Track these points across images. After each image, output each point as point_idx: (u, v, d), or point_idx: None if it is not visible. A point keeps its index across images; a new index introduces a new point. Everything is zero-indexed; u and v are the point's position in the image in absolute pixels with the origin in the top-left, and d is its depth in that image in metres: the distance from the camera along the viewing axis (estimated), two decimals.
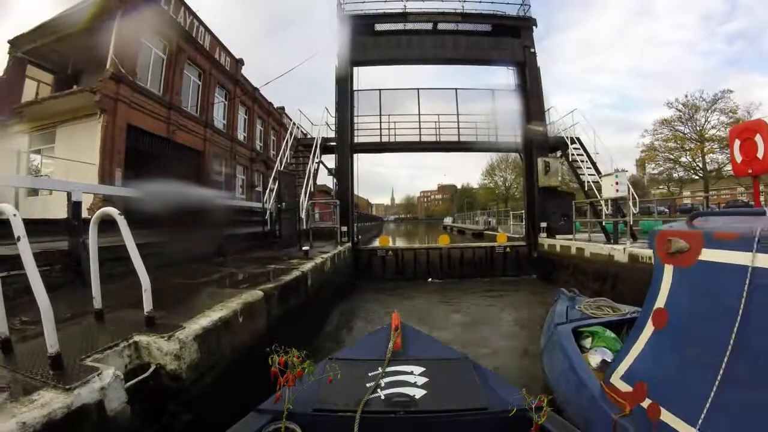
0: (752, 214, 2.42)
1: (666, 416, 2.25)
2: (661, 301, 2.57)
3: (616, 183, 10.94)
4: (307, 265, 7.23)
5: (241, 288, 4.98)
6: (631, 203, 11.55)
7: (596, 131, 14.64)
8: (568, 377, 3.47)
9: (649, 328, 2.63)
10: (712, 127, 41.73)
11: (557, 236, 14.00)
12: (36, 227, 4.95)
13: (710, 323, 2.20)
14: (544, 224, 14.60)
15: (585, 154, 14.28)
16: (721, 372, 2.02)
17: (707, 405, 2.05)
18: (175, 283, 5.44)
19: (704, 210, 3.08)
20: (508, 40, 15.91)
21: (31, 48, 16.63)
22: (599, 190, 12.73)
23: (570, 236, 13.23)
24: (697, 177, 46.01)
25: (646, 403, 2.42)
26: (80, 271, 5.08)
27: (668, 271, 2.55)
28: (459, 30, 16.17)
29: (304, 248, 8.22)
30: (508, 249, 14.96)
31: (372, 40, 15.86)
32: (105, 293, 3.54)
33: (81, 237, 5.12)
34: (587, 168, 13.85)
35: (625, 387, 2.67)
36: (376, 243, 16.91)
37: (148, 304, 3.23)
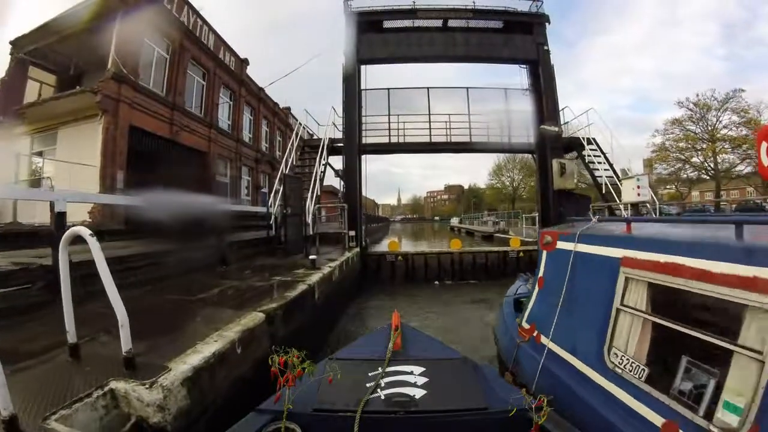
0: (589, 220, 4.22)
1: (542, 339, 3.76)
2: (541, 272, 4.26)
3: (638, 187, 10.42)
4: (314, 277, 6.77)
5: (241, 308, 4.51)
6: (651, 207, 11.04)
7: (612, 132, 14.12)
8: (502, 326, 5.25)
9: (536, 289, 4.29)
10: (724, 127, 40.96)
11: None
12: (17, 240, 4.51)
13: (558, 280, 3.68)
14: None
15: (602, 155, 13.71)
16: (559, 306, 3.56)
17: (553, 325, 3.58)
18: (169, 300, 5.02)
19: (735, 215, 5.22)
20: (521, 37, 15.43)
21: (33, 49, 16.36)
22: (617, 192, 12.22)
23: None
24: (707, 177, 45.38)
25: (535, 333, 3.97)
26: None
27: (544, 254, 4.24)
28: (469, 27, 15.70)
29: (311, 257, 7.75)
30: (521, 254, 14.46)
31: (380, 38, 15.42)
32: (88, 316, 3.06)
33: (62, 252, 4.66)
34: (605, 170, 13.25)
35: (526, 326, 4.22)
36: (385, 247, 16.35)
37: (126, 343, 2.76)
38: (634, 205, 10.90)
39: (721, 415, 2.16)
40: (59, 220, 4.63)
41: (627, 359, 2.81)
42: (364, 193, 16.18)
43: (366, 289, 12.21)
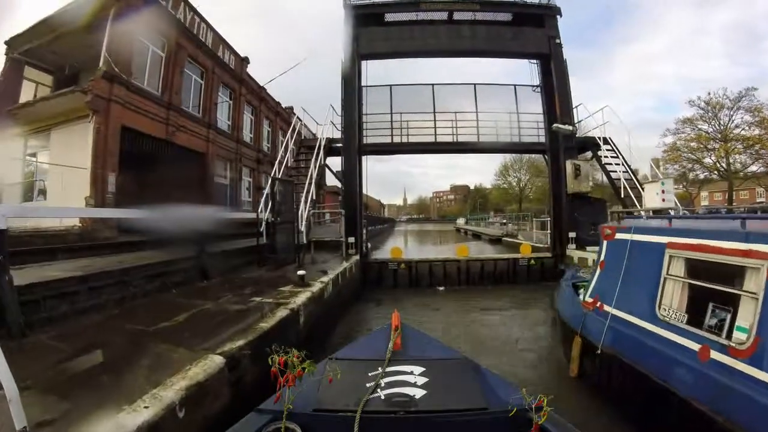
0: (639, 218, 6.03)
1: (605, 307, 4.90)
2: (602, 257, 5.53)
3: (662, 191, 9.55)
4: (300, 298, 5.95)
5: (200, 346, 3.74)
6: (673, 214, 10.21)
7: (630, 132, 13.29)
8: (566, 303, 6.40)
9: (598, 270, 5.53)
10: (736, 126, 39.96)
11: (587, 248, 12.61)
12: None
13: (617, 262, 4.95)
14: (572, 234, 13.20)
15: (619, 157, 12.84)
16: (619, 281, 4.80)
17: (615, 296, 4.76)
18: (125, 332, 4.27)
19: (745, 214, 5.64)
20: (531, 30, 14.61)
21: (27, 49, 15.96)
22: (637, 197, 11.40)
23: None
24: (716, 177, 44.48)
25: (598, 304, 5.11)
26: (4, 319, 3.93)
27: (605, 243, 5.54)
28: (476, 20, 14.87)
29: (299, 272, 6.92)
30: (532, 261, 13.67)
31: (382, 32, 14.64)
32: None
33: (6, 275, 3.98)
34: (623, 172, 12.37)
35: (590, 300, 5.36)
36: (388, 252, 15.61)
37: (19, 420, 2.02)
38: (657, 212, 10.05)
39: (736, 334, 3.22)
40: None
41: (673, 311, 3.97)
42: (369, 194, 15.51)
43: (365, 298, 11.45)
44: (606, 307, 4.81)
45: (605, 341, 4.49)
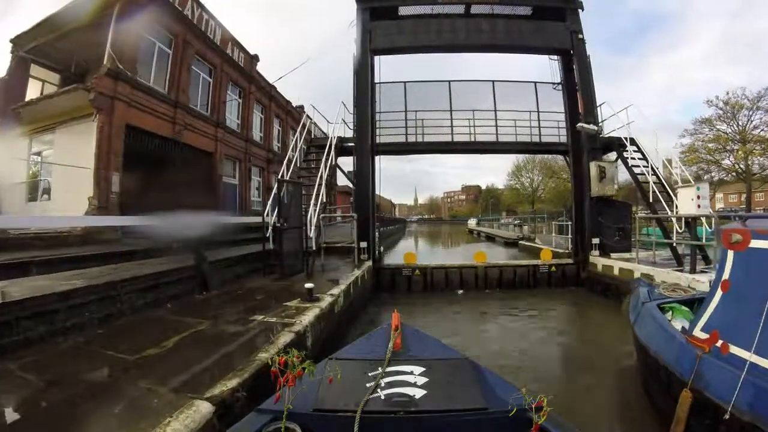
0: None
1: (732, 349, 3.31)
2: (726, 274, 3.67)
3: (698, 197, 8.87)
4: (308, 316, 5.31)
5: (187, 386, 3.15)
6: (705, 221, 9.59)
7: (656, 132, 12.63)
8: (659, 335, 4.38)
9: (719, 293, 3.72)
10: (755, 127, 39.18)
11: (612, 255, 11.99)
12: None
13: (757, 285, 3.32)
14: (596, 240, 12.51)
15: (645, 159, 12.15)
16: (764, 315, 3.07)
17: (757, 336, 3.08)
18: (102, 361, 3.70)
19: (748, 214, 4.61)
20: (552, 25, 13.92)
21: (33, 46, 15.90)
22: (667, 201, 10.74)
23: (627, 255, 11.25)
24: (730, 179, 43.81)
25: (719, 343, 3.47)
26: None
27: (730, 254, 3.69)
28: (495, 13, 14.19)
29: (307, 285, 6.28)
30: (553, 268, 13.02)
31: (395, 25, 14.01)
32: None
33: None
34: (651, 175, 11.67)
35: (703, 335, 3.69)
36: (401, 255, 15.06)
37: None
38: (691, 220, 9.36)
39: None
40: None
41: None
42: (380, 194, 15.01)
43: (378, 306, 10.85)
44: (736, 350, 3.31)
45: (740, 402, 3.01)
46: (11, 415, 2.74)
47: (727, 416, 3.03)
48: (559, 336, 8.46)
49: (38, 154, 15.52)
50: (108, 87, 12.79)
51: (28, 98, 16.10)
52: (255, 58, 23.58)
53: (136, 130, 14.01)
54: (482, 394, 2.77)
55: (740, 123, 40.26)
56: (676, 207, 10.08)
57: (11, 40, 16.03)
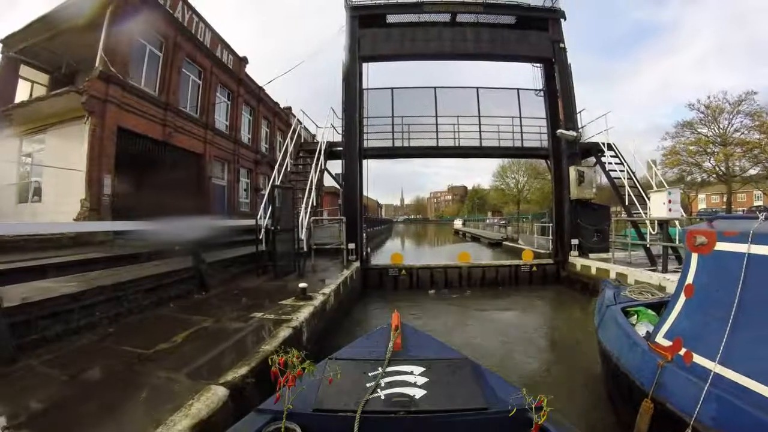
0: (748, 218, 3.38)
1: (696, 358, 3.14)
2: (690, 279, 3.48)
3: (669, 201, 9.40)
4: (303, 313, 5.72)
5: (202, 374, 3.56)
6: (678, 223, 10.12)
7: (640, 136, 13.19)
8: (622, 341, 4.20)
9: (682, 299, 3.52)
10: (736, 131, 40.12)
11: (590, 255, 12.53)
12: None
13: (722, 290, 3.12)
14: (575, 241, 13.06)
15: (623, 163, 12.69)
16: (730, 322, 2.93)
17: (722, 345, 2.92)
18: (120, 355, 4.06)
19: (719, 215, 4.86)
20: (535, 34, 14.43)
21: (23, 47, 15.90)
22: (641, 204, 11.28)
23: (605, 255, 11.77)
24: (713, 180, 44.71)
25: (682, 351, 3.30)
26: None
27: (694, 257, 3.48)
28: (480, 22, 14.68)
29: (301, 285, 6.70)
30: (534, 268, 13.56)
31: (383, 33, 14.40)
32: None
33: None
34: (627, 179, 12.22)
35: (666, 342, 3.50)
36: (388, 254, 15.50)
37: None
38: (663, 222, 9.89)
39: None
40: None
41: None
42: (366, 195, 15.36)
43: (366, 305, 11.34)
44: (699, 359, 3.13)
45: (703, 415, 2.83)
46: (45, 404, 2.99)
47: (689, 430, 2.87)
48: (534, 331, 8.95)
49: (29, 155, 15.47)
50: (100, 90, 12.89)
51: (17, 99, 16.14)
52: (244, 60, 23.70)
53: (127, 133, 14.09)
54: (482, 394, 2.81)
55: (721, 126, 41.20)
56: (649, 210, 10.61)
57: (1, 41, 16.00)
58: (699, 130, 42.52)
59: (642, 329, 4.31)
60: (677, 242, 10.06)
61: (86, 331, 4.67)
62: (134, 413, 2.89)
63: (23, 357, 3.81)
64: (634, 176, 12.33)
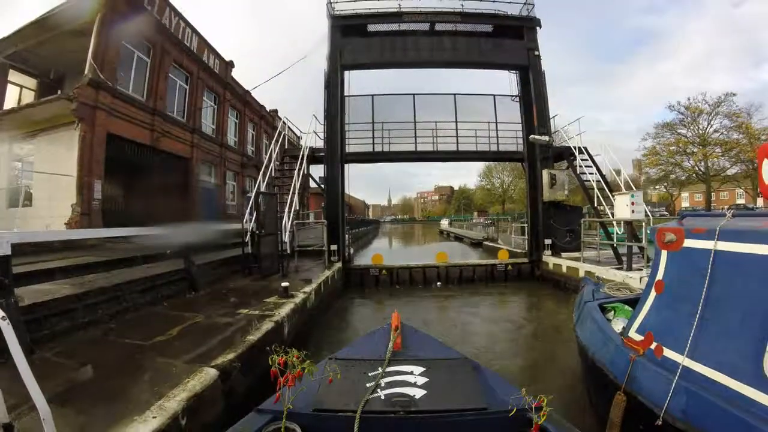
0: (716, 215, 3.49)
1: (666, 352, 3.24)
2: (660, 275, 3.60)
3: (632, 204, 10.07)
4: (284, 310, 6.29)
5: (195, 359, 4.12)
6: (645, 226, 10.73)
7: (606, 146, 13.75)
8: (597, 336, 4.35)
9: (652, 294, 3.64)
10: (715, 131, 41.15)
11: (563, 254, 13.19)
12: None
13: (690, 286, 3.18)
14: (548, 241, 13.74)
15: (594, 166, 13.34)
16: (697, 317, 3.03)
17: (690, 339, 3.02)
18: (123, 346, 4.60)
19: (690, 212, 4.56)
20: (511, 42, 15.06)
21: (12, 52, 16.03)
22: (610, 206, 11.92)
23: (577, 254, 12.40)
24: (692, 180, 45.72)
25: (653, 345, 3.41)
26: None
27: (664, 254, 3.60)
28: (458, 31, 15.26)
29: (283, 284, 7.26)
30: (509, 267, 14.17)
31: (364, 42, 14.95)
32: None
33: (12, 297, 4.30)
34: (596, 182, 12.87)
35: (638, 337, 3.63)
36: (372, 255, 16.03)
37: None
38: (629, 222, 10.55)
39: None
40: (3, 265, 4.21)
41: None
42: (354, 195, 15.77)
43: (348, 303, 11.84)
44: (669, 353, 3.24)
45: (672, 408, 2.93)
46: (66, 386, 3.47)
47: (659, 422, 2.93)
48: (507, 321, 9.70)
49: (19, 160, 15.59)
50: (90, 97, 13.11)
51: (6, 103, 16.33)
52: (230, 65, 23.93)
53: (116, 138, 14.33)
54: (482, 394, 2.84)
55: (701, 127, 42.22)
56: (614, 211, 11.26)
57: None
58: (679, 130, 43.60)
59: (618, 325, 4.41)
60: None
61: (90, 327, 5.18)
62: (141, 389, 3.44)
63: (37, 350, 4.32)
64: (603, 179, 12.92)
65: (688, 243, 3.37)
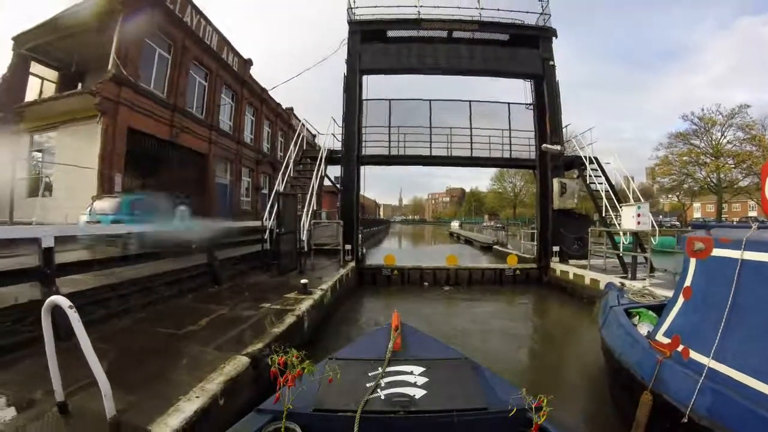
0: (743, 227, 3.72)
1: (692, 354, 3.40)
2: (688, 281, 3.80)
3: (638, 215, 10.27)
4: (304, 305, 6.64)
5: (226, 348, 4.44)
6: (651, 237, 10.91)
7: (616, 154, 13.94)
8: (624, 339, 4.50)
9: (680, 300, 3.84)
10: (728, 142, 40.85)
11: (570, 261, 13.40)
12: (3, 278, 4.45)
13: (717, 292, 3.39)
14: (556, 248, 13.96)
15: (603, 176, 13.52)
16: (723, 321, 3.20)
17: (716, 342, 3.18)
18: (157, 335, 4.93)
19: (715, 223, 5.62)
20: (526, 51, 15.21)
21: (34, 45, 16.43)
22: (617, 216, 12.10)
23: (584, 262, 12.60)
24: (704, 191, 45.43)
25: (680, 348, 3.56)
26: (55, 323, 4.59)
27: (692, 262, 3.79)
28: (474, 39, 15.45)
29: (302, 281, 7.60)
30: (518, 272, 14.41)
31: (383, 48, 15.20)
32: (78, 353, 2.93)
33: (54, 286, 4.64)
34: (605, 192, 13.04)
35: (665, 340, 3.81)
36: (383, 254, 16.33)
37: (110, 409, 2.68)
38: (635, 233, 10.73)
39: None
40: (47, 256, 4.55)
41: None
42: (365, 195, 16.00)
43: (361, 301, 12.09)
44: (696, 355, 3.38)
45: (698, 406, 3.06)
46: (108, 368, 3.69)
47: (685, 420, 3.06)
48: (514, 320, 10.17)
49: (39, 151, 16.06)
50: (112, 92, 13.53)
51: (27, 95, 16.70)
52: (248, 62, 24.33)
53: (137, 133, 14.76)
54: (482, 394, 2.85)
55: (714, 138, 41.97)
56: (621, 222, 11.46)
57: (13, 38, 16.53)
58: (692, 141, 43.34)
59: (643, 329, 4.57)
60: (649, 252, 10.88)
61: (124, 316, 5.52)
62: (180, 373, 3.78)
63: (75, 336, 4.64)
64: (612, 189, 13.09)
65: (716, 252, 3.54)
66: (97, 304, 5.29)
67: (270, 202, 11.59)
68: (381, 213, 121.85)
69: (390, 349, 3.45)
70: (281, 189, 12.08)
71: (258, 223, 11.57)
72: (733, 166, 40.89)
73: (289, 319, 5.71)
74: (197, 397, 3.25)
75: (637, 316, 5.06)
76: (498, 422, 2.56)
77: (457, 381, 3.06)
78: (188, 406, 3.09)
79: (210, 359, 4.08)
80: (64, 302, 2.68)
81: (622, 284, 8.29)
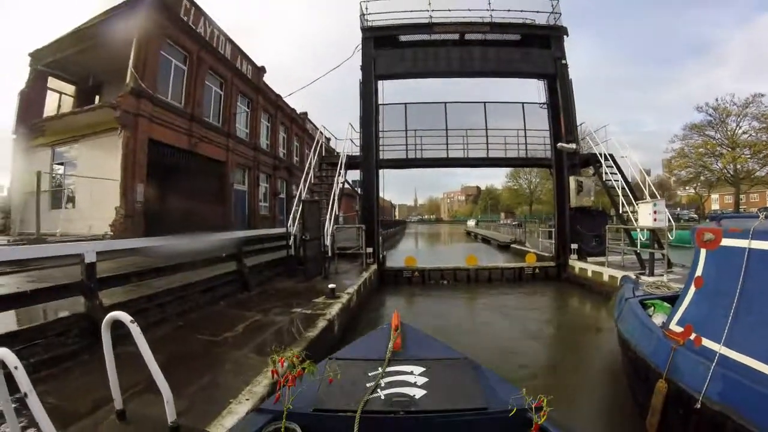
0: (750, 217, 3.99)
1: (705, 342, 3.51)
2: (699, 271, 3.91)
3: (654, 212, 10.31)
4: (334, 309, 6.88)
5: (265, 353, 4.61)
6: (668, 233, 10.90)
7: (630, 150, 13.88)
8: (639, 329, 4.70)
9: (692, 290, 3.94)
10: (744, 133, 40.37)
11: (588, 259, 13.45)
12: (50, 293, 4.69)
13: (726, 281, 3.50)
14: (574, 246, 14.02)
15: (618, 173, 13.54)
16: (733, 309, 3.31)
17: (726, 330, 3.30)
18: (197, 341, 5.16)
19: (725, 214, 5.77)
20: (538, 51, 15.34)
21: (51, 60, 16.82)
22: (633, 212, 12.13)
23: (602, 259, 12.65)
24: (720, 182, 44.94)
25: (692, 336, 3.67)
26: (98, 335, 4.83)
27: (703, 252, 3.91)
28: (486, 40, 15.57)
29: (330, 286, 7.84)
30: (537, 270, 14.56)
31: (396, 53, 15.38)
32: (130, 359, 3.13)
33: (97, 299, 4.88)
34: (621, 188, 13.05)
35: (678, 329, 3.91)
36: (402, 253, 16.57)
37: (171, 415, 2.87)
38: (650, 230, 10.77)
39: None
40: (89, 270, 4.79)
41: None
42: (383, 196, 16.14)
43: (383, 302, 12.26)
44: (708, 343, 3.49)
45: (710, 392, 3.18)
46: (165, 374, 4.02)
47: (698, 405, 3.16)
48: (537, 312, 10.44)
49: (61, 164, 16.38)
50: (132, 105, 13.80)
51: (46, 109, 17.21)
52: (262, 70, 24.54)
53: (157, 143, 15.04)
54: (482, 394, 2.81)
55: (729, 129, 41.51)
56: (638, 218, 11.50)
57: (30, 54, 17.01)
58: (707, 132, 42.92)
59: (658, 320, 4.66)
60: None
61: (162, 325, 5.76)
62: (226, 377, 4.00)
63: (118, 345, 4.87)
64: (628, 185, 13.09)
65: (725, 242, 3.66)
66: (138, 314, 5.51)
67: (293, 209, 11.86)
68: (397, 214, 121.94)
69: (390, 349, 3.43)
70: (304, 196, 12.33)
71: (282, 230, 11.82)
72: (749, 156, 40.44)
73: (321, 323, 5.94)
74: (247, 399, 3.48)
75: (652, 307, 5.18)
76: (498, 422, 2.55)
77: (457, 381, 3.04)
78: (240, 408, 3.32)
79: (252, 363, 4.31)
80: (125, 317, 2.87)
81: (638, 277, 8.31)
